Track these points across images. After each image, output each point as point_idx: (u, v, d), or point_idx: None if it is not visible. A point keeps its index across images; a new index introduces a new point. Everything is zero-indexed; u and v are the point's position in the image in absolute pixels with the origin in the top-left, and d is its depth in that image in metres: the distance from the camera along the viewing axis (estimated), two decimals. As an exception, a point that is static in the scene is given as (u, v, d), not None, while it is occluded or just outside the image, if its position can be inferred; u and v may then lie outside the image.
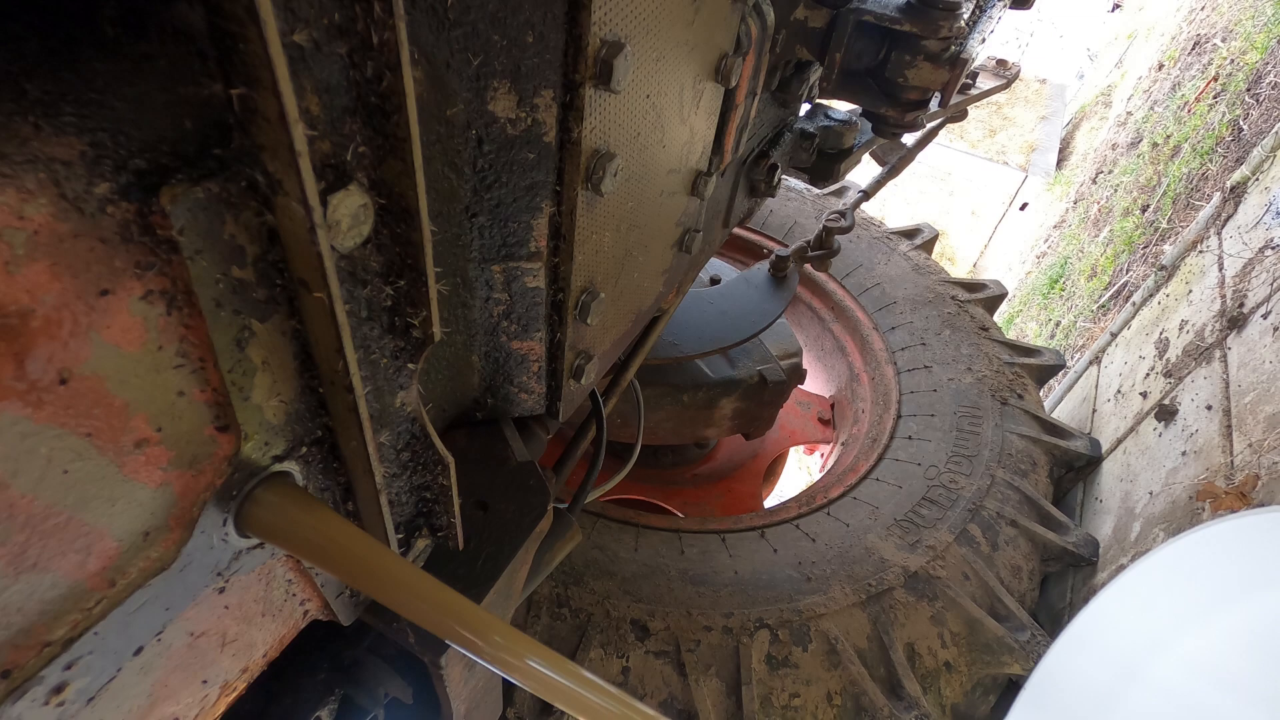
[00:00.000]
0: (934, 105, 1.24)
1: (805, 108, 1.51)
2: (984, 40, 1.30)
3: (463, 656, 0.66)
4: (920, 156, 2.38)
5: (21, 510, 0.29)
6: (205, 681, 0.45)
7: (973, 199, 7.68)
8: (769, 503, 2.27)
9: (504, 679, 0.91)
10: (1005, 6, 1.50)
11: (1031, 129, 8.15)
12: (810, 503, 1.79)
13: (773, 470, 2.35)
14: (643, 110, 0.64)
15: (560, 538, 0.85)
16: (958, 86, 1.18)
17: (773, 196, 1.47)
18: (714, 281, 2.11)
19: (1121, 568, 1.58)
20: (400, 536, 0.54)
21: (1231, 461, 1.36)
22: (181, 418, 0.35)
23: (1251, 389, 1.40)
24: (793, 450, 2.54)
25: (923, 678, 1.45)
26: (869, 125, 1.66)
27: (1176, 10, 5.38)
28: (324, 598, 0.53)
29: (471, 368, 0.70)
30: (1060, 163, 7.10)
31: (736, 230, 2.70)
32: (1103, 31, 10.60)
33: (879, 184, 2.36)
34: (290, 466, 0.43)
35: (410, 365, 0.46)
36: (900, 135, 1.38)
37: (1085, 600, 1.67)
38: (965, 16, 1.10)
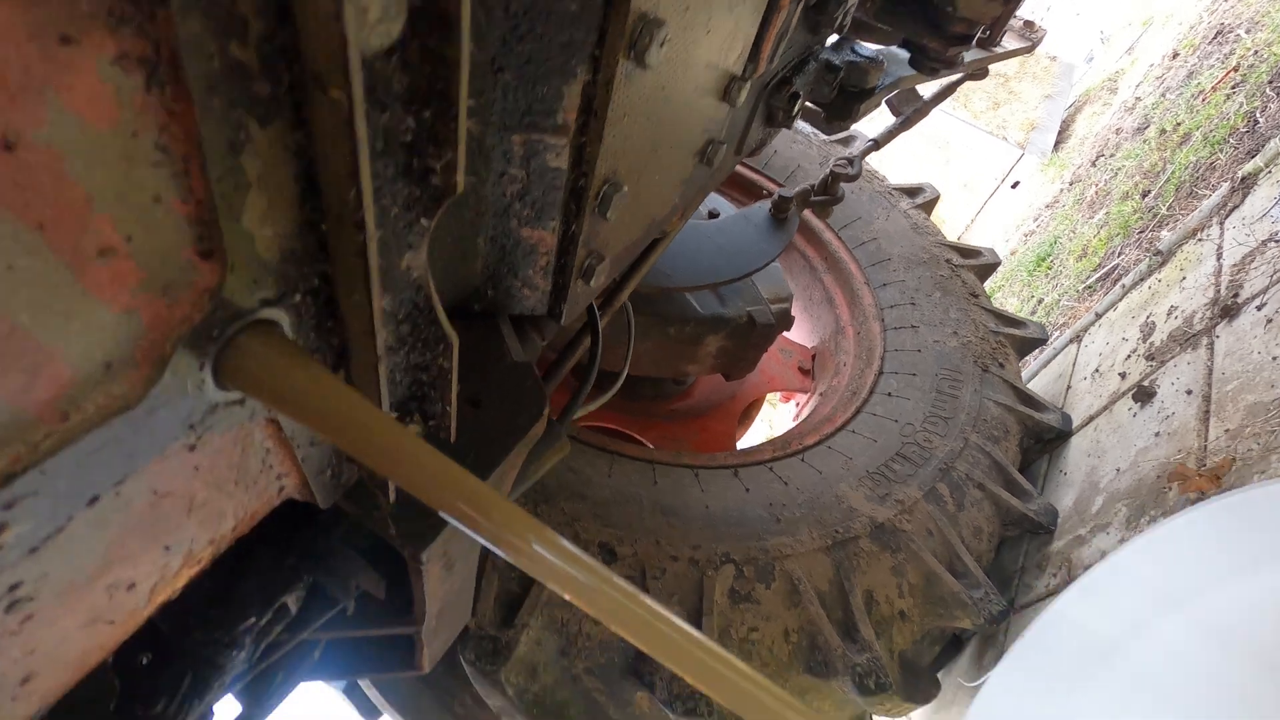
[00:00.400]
0: (974, 49, 1.17)
1: (831, 39, 1.43)
2: (1039, -21, 1.22)
3: (442, 555, 0.63)
4: (920, 123, 2.31)
5: (-48, 305, 0.24)
6: (168, 548, 0.40)
7: (967, 171, 7.63)
8: (741, 446, 2.27)
9: (474, 587, 0.88)
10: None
11: (1035, 106, 8.05)
12: (785, 447, 1.78)
13: (748, 413, 2.35)
14: (697, -22, 0.57)
15: (548, 448, 0.81)
16: (1007, 23, 1.11)
17: (789, 128, 1.40)
18: (712, 215, 2.04)
19: (1080, 538, 1.62)
20: (393, 417, 0.49)
21: (1205, 445, 1.38)
22: (157, 230, 0.29)
23: (1235, 377, 1.41)
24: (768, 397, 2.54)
25: (877, 623, 1.49)
26: (894, 67, 1.58)
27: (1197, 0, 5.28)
28: (303, 474, 0.49)
29: (476, 252, 0.64)
30: (1058, 144, 7.06)
31: (737, 167, 2.61)
32: (1118, 15, 10.41)
33: (891, 134, 2.29)
34: (279, 315, 0.37)
35: (424, 221, 0.41)
36: (939, 72, 1.31)
37: (1039, 565, 1.72)
38: (1027, -53, 1.03)
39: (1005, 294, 4.01)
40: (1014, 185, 7.31)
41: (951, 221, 7.33)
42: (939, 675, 1.66)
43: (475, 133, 0.52)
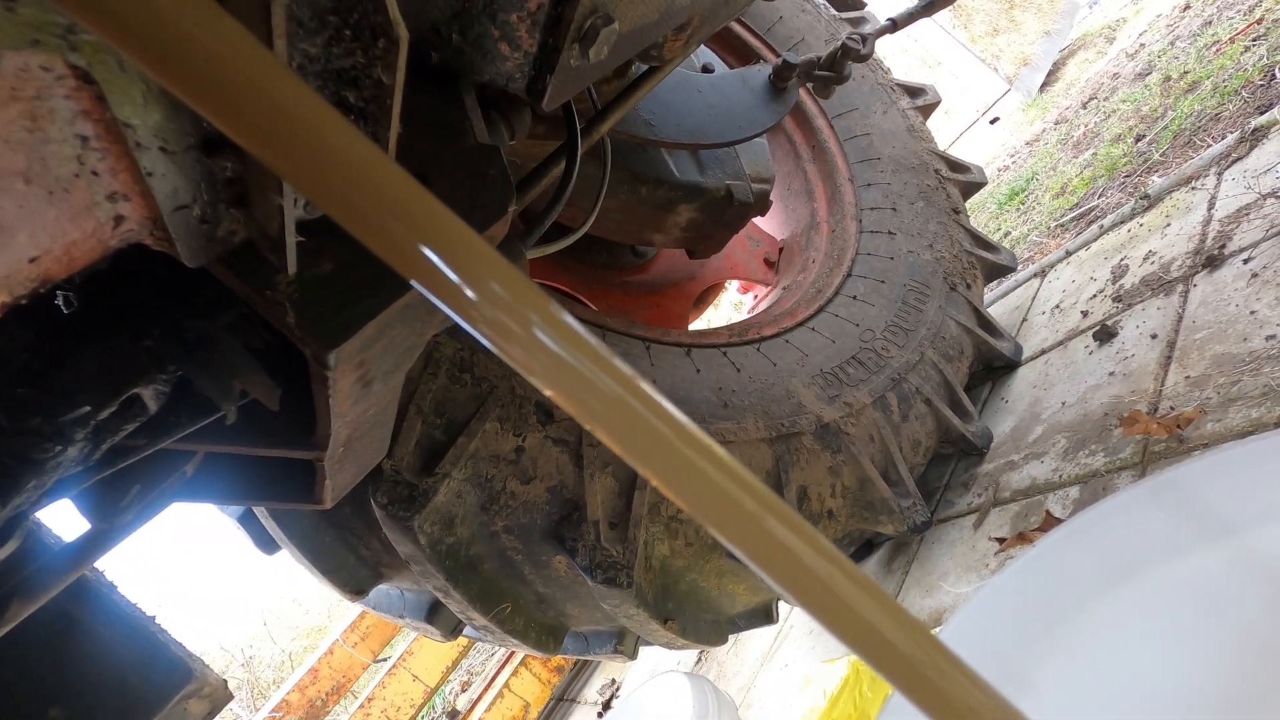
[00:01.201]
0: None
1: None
2: None
3: (358, 363, 0.49)
4: (916, 36, 2.09)
5: None
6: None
7: (951, 97, 7.42)
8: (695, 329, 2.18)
9: (395, 422, 0.75)
10: None
11: (1032, 41, 7.79)
12: (742, 335, 1.69)
13: (704, 298, 2.24)
14: None
15: (511, 261, 0.66)
16: None
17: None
18: (705, 70, 1.82)
19: (1011, 463, 1.64)
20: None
21: (1161, 390, 1.37)
22: None
23: (1206, 327, 1.38)
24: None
25: (805, 519, 1.47)
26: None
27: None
28: (154, 204, 0.33)
29: (444, -39, 0.46)
30: (1044, 86, 6.92)
31: (736, 29, 2.35)
32: (1132, -40, 10.05)
33: (911, 17, 2.07)
34: None
35: None
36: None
37: (964, 484, 1.74)
38: None
39: (973, 222, 3.96)
40: (992, 121, 7.19)
41: (946, 128, 7.20)
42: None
43: None
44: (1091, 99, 4.33)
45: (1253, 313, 1.30)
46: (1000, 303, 2.43)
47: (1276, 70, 2.12)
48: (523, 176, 0.90)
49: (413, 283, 0.23)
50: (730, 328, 1.75)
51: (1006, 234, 3.19)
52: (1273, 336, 1.22)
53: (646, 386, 0.24)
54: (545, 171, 0.88)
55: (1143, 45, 4.54)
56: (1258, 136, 1.77)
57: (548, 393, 0.24)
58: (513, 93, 0.59)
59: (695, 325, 2.33)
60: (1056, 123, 4.64)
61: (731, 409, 1.47)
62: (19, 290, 0.31)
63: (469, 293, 0.22)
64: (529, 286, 0.23)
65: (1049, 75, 7.22)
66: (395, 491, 1.13)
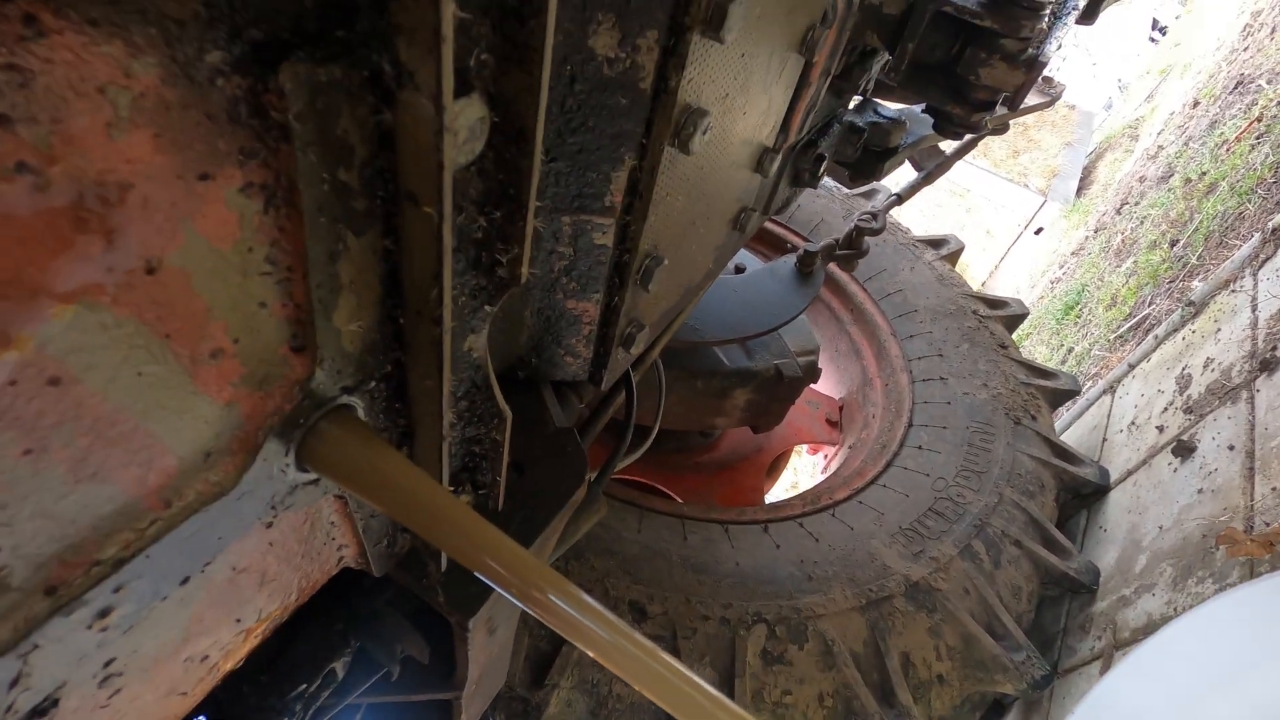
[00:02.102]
0: (999, 109, 1.20)
1: (854, 101, 1.47)
2: (1058, 47, 1.26)
3: (487, 620, 0.64)
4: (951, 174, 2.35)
5: (89, 411, 0.26)
6: (239, 620, 0.42)
7: (989, 218, 7.66)
8: (769, 499, 2.25)
9: (511, 651, 0.88)
10: (1075, 18, 1.46)
11: (1055, 154, 8.11)
12: (815, 502, 1.77)
13: (775, 466, 2.33)
14: (736, 69, 0.60)
15: (587, 510, 0.82)
16: (1028, 91, 1.14)
17: (813, 187, 1.44)
18: (738, 270, 2.07)
19: (1124, 599, 1.57)
20: (449, 490, 0.51)
21: (1252, 505, 1.34)
22: (260, 331, 0.32)
23: (1279, 434, 1.38)
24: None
25: (915, 688, 1.44)
26: (916, 126, 1.62)
27: (1216, 49, 5.34)
28: (361, 544, 0.51)
29: (522, 324, 0.67)
30: (1080, 191, 7.07)
31: (765, 223, 2.66)
32: (1136, 64, 10.52)
33: (913, 189, 2.32)
34: (355, 400, 0.39)
35: (488, 307, 0.43)
36: (963, 135, 1.34)
37: (1081, 627, 1.66)
38: (1046, 18, 1.07)
39: (1034, 342, 3.97)
40: (1037, 231, 7.31)
41: (975, 268, 7.33)
42: (981, 744, 1.60)
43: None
44: (1124, 204, 4.44)
45: (1319, 415, 1.30)
46: (1077, 424, 2.41)
47: (1284, 167, 2.22)
48: (591, 413, 1.08)
49: (505, 593, 0.38)
50: (803, 496, 1.83)
51: (1070, 349, 3.19)
52: (1345, 439, 1.21)
53: (641, 639, 0.38)
54: (607, 410, 1.07)
55: (1161, 147, 4.70)
56: (1279, 236, 1.83)
57: (580, 646, 0.38)
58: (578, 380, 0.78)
59: (772, 494, 2.40)
60: (1096, 230, 4.73)
61: (816, 581, 1.52)
62: (284, 617, 0.48)
63: (531, 593, 0.37)
64: (564, 584, 0.38)
65: (1083, 180, 7.40)
66: (511, 708, 1.23)
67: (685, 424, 1.97)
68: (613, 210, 0.60)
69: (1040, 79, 2.44)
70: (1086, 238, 4.86)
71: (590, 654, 0.42)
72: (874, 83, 1.33)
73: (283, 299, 0.32)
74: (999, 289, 7.08)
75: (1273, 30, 3.99)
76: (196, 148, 0.25)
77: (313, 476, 0.40)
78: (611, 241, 0.62)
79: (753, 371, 1.91)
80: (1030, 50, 1.08)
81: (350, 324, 0.35)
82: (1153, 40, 10.05)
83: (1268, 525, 1.26)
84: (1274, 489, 1.30)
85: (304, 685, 0.58)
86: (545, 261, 0.62)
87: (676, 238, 0.71)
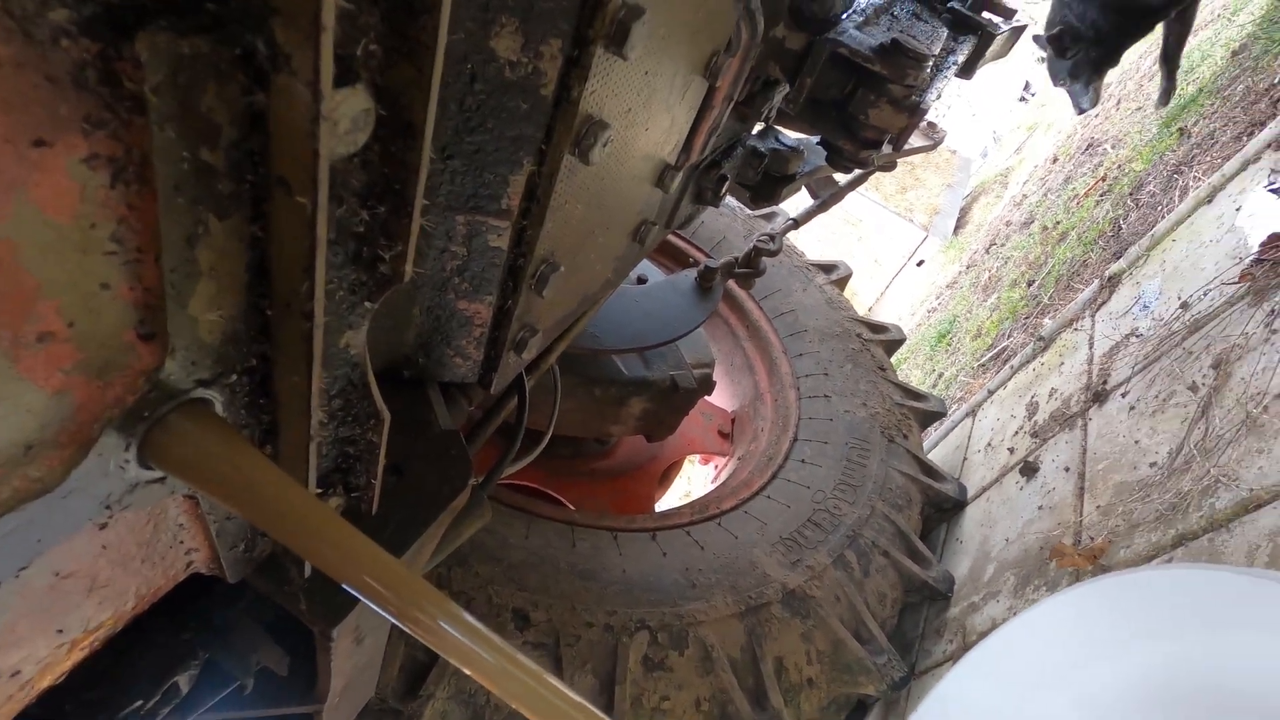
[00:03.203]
0: (885, 147, 1.30)
1: (757, 127, 1.54)
2: (938, 96, 1.37)
3: (353, 630, 0.61)
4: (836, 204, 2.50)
5: (-122, 393, 0.23)
6: (60, 631, 0.38)
7: (878, 248, 8.18)
8: (660, 508, 2.29)
9: (382, 660, 0.85)
10: (955, 72, 1.60)
11: (937, 193, 8.79)
12: (704, 511, 1.81)
13: (668, 475, 2.37)
14: (639, 86, 0.62)
15: (470, 515, 0.80)
16: (910, 134, 1.24)
17: (715, 206, 1.48)
18: (640, 281, 2.11)
19: (973, 605, 1.72)
20: (317, 492, 0.48)
21: (1080, 521, 1.51)
22: (101, 315, 0.29)
23: (1105, 458, 1.56)
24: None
25: (786, 691, 1.51)
26: (813, 156, 1.71)
27: (1073, 113, 5.97)
28: (214, 549, 0.47)
29: (409, 322, 0.65)
30: (957, 229, 7.70)
31: (668, 236, 2.71)
32: (1009, 119, 11.59)
33: (809, 215, 2.44)
34: (212, 394, 0.37)
35: (368, 304, 0.42)
36: (851, 169, 1.43)
37: (937, 631, 1.80)
38: (929, 70, 1.16)
39: (910, 365, 4.27)
40: (919, 263, 7.87)
41: (863, 294, 7.79)
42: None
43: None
44: (992, 244, 4.88)
45: (1136, 442, 1.48)
46: (943, 444, 2.61)
47: (1121, 222, 2.51)
48: (482, 416, 1.06)
49: (373, 605, 0.37)
50: (692, 505, 1.87)
51: (941, 374, 3.46)
52: (1154, 464, 1.39)
53: (521, 657, 0.38)
54: (498, 414, 1.05)
55: (1025, 195, 5.20)
56: (1114, 283, 2.07)
57: (455, 663, 0.38)
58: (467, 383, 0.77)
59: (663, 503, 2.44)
60: (968, 266, 5.17)
61: (699, 588, 1.56)
62: (118, 628, 0.44)
63: (404, 606, 0.36)
64: (438, 598, 0.38)
65: (960, 219, 8.06)
66: (382, 720, 1.17)
67: (582, 431, 1.97)
68: (509, 213, 0.59)
69: (925, 123, 2.64)
70: (960, 273, 5.29)
71: (466, 670, 0.41)
72: (775, 111, 1.40)
73: (130, 281, 0.29)
74: (884, 315, 7.55)
75: (1118, 102, 4.53)
76: (32, 111, 0.23)
77: (158, 474, 0.37)
78: (507, 245, 0.62)
79: (649, 381, 1.94)
80: (914, 97, 1.17)
81: (209, 313, 0.33)
82: (1023, 99, 11.12)
83: (1092, 540, 1.42)
84: (1098, 507, 1.47)
85: (140, 701, 0.53)
86: (437, 260, 0.61)
87: (574, 245, 0.71)
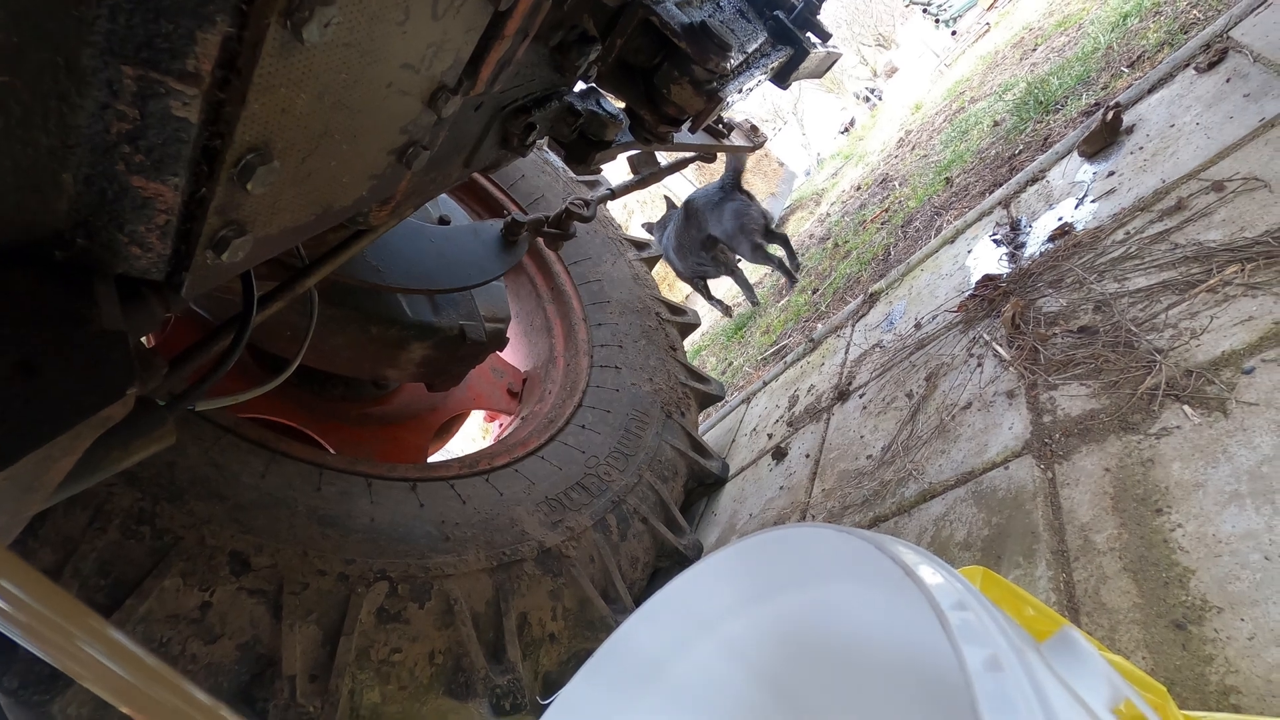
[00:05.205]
0: (685, 131, 1.33)
1: (579, 87, 1.51)
2: (741, 93, 1.44)
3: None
4: (670, 185, 2.58)
5: None
6: None
7: (702, 240, 8.58)
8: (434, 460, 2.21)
9: None
10: (767, 77, 1.69)
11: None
12: (472, 466, 1.78)
13: (448, 428, 2.29)
14: (385, -26, 0.55)
15: (143, 434, 0.69)
16: (707, 120, 1.28)
17: (523, 156, 1.43)
18: (443, 221, 1.99)
19: (712, 571, 1.87)
20: None
21: (809, 501, 1.69)
22: None
23: (836, 448, 1.76)
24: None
25: (526, 645, 1.53)
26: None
27: (880, 150, 6.71)
28: None
29: (57, 186, 0.53)
30: (773, 236, 8.30)
31: (482, 181, 2.60)
32: (831, 146, 12.75)
33: (626, 189, 2.47)
34: None
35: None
36: (650, 144, 1.45)
37: (679, 594, 1.93)
38: (733, 63, 1.21)
39: (709, 354, 4.54)
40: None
41: (674, 282, 8.16)
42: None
43: (56, 40, 0.44)
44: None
45: (861, 437, 1.69)
46: (718, 426, 2.81)
47: (891, 249, 2.85)
48: (197, 341, 0.93)
49: None
50: (462, 460, 1.82)
51: (730, 363, 3.72)
52: (870, 456, 1.60)
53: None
54: (219, 337, 0.93)
55: (829, 214, 5.74)
56: (874, 299, 2.34)
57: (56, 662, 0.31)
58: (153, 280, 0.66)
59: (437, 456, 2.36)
60: (771, 271, 5.60)
61: (453, 541, 1.52)
62: None
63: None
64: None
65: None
66: (30, 671, 1.00)
67: (353, 370, 1.83)
68: (198, 79, 0.50)
69: (749, 126, 2.76)
70: (765, 275, 5.72)
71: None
72: (593, 70, 1.37)
73: None
74: (694, 304, 7.97)
75: (913, 147, 5.14)
76: None
77: None
78: (197, 118, 0.53)
79: (435, 328, 1.85)
80: (714, 84, 1.21)
81: None
82: (845, 133, 12.28)
83: (813, 516, 1.60)
84: (824, 490, 1.66)
85: None
86: (98, 117, 0.50)
87: (299, 143, 0.63)
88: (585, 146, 1.60)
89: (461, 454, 1.94)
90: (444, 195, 2.21)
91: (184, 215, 0.60)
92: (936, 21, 11.02)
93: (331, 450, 1.94)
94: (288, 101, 0.57)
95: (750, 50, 1.49)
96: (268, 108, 0.55)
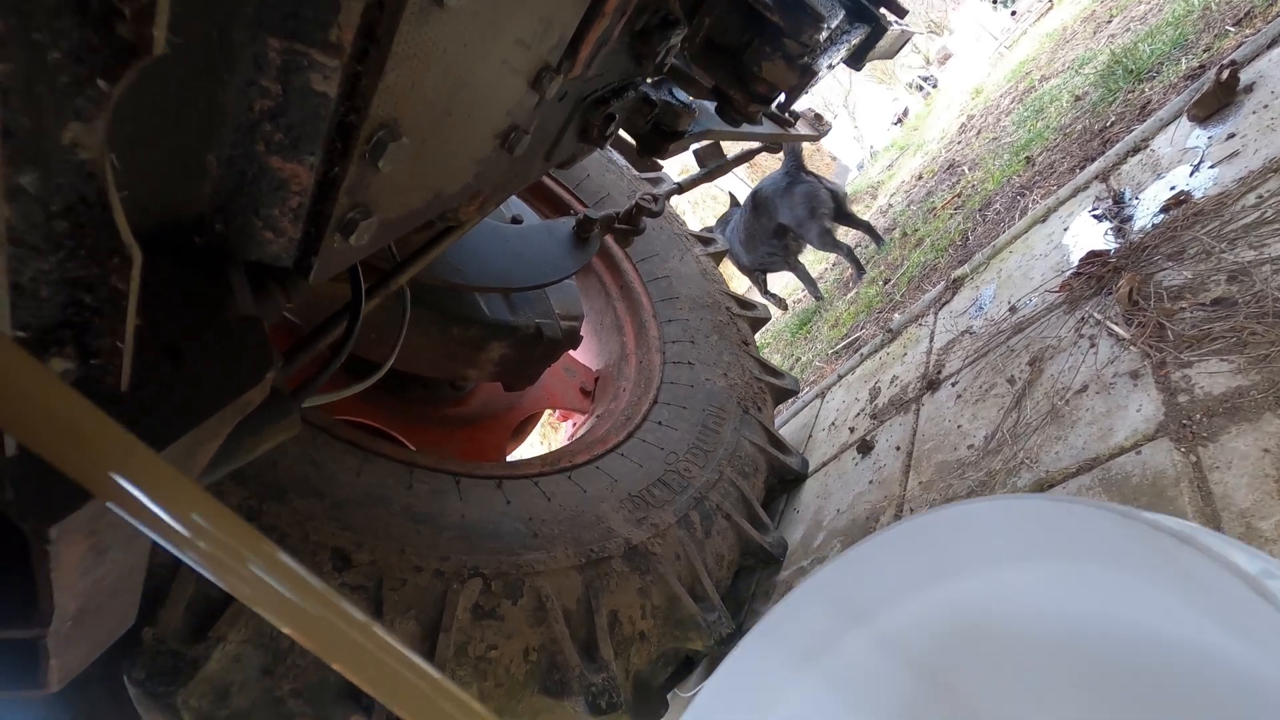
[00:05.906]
0: (772, 114, 1.29)
1: (653, 77, 1.49)
2: (830, 66, 1.39)
3: (89, 534, 0.49)
4: (724, 184, 2.54)
5: None
6: None
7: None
8: (511, 459, 2.21)
9: (142, 583, 0.72)
10: (845, 56, 1.63)
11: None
12: (554, 464, 1.77)
13: (524, 428, 2.30)
14: (515, -64, 0.54)
15: (273, 423, 0.69)
16: (800, 95, 1.24)
17: (601, 147, 1.41)
18: (515, 221, 2.00)
19: (801, 569, 1.80)
20: (18, 335, 0.37)
21: (904, 495, 1.62)
22: None
23: (931, 439, 1.68)
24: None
25: (618, 644, 1.51)
26: (705, 119, 1.69)
27: (940, 138, 6.48)
28: None
29: (203, 170, 0.53)
30: (829, 230, 8.13)
31: (548, 183, 2.61)
32: (884, 139, 12.44)
33: (694, 182, 2.44)
34: None
35: (101, 83, 0.31)
36: (739, 122, 1.41)
37: (766, 593, 1.88)
38: (825, 34, 1.16)
39: (772, 350, 4.46)
40: (792, 257, 8.25)
41: (739, 274, 8.08)
42: (668, 696, 1.73)
43: (215, 11, 0.43)
44: (856, 246, 5.19)
45: (959, 427, 1.61)
46: (793, 421, 2.74)
47: (969, 234, 2.73)
48: (308, 333, 0.94)
49: (119, 510, 0.28)
50: (544, 457, 1.82)
51: (799, 359, 3.63)
52: (972, 446, 1.51)
53: (345, 604, 0.30)
54: (329, 329, 0.93)
55: (891, 205, 5.57)
56: (957, 285, 2.24)
57: (245, 602, 0.30)
58: (282, 268, 0.65)
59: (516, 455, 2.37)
60: (833, 264, 5.47)
61: (542, 538, 1.51)
62: None
63: (169, 519, 0.28)
64: (221, 511, 0.29)
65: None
66: (157, 664, 1.02)
67: (434, 370, 1.85)
68: (340, 50, 0.49)
69: (813, 115, 2.69)
70: (826, 269, 5.59)
71: (254, 608, 0.33)
72: (671, 63, 1.35)
73: None
74: (755, 297, 7.87)
75: (978, 131, 4.94)
76: None
77: None
78: (335, 92, 0.52)
79: (513, 326, 1.85)
80: (806, 57, 1.17)
81: None
82: (898, 124, 11.96)
83: (912, 510, 1.53)
84: (921, 482, 1.58)
85: None
86: (243, 94, 0.50)
87: (426, 120, 0.62)
88: (659, 138, 1.57)
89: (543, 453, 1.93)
90: (513, 196, 2.22)
91: (316, 197, 0.59)
92: (994, 3, 10.63)
93: (413, 449, 1.96)
94: (419, 73, 0.56)
95: (833, 26, 1.44)
96: (402, 79, 0.54)
